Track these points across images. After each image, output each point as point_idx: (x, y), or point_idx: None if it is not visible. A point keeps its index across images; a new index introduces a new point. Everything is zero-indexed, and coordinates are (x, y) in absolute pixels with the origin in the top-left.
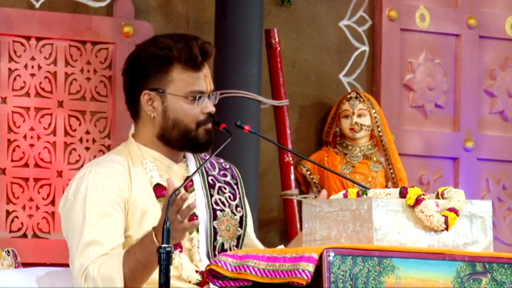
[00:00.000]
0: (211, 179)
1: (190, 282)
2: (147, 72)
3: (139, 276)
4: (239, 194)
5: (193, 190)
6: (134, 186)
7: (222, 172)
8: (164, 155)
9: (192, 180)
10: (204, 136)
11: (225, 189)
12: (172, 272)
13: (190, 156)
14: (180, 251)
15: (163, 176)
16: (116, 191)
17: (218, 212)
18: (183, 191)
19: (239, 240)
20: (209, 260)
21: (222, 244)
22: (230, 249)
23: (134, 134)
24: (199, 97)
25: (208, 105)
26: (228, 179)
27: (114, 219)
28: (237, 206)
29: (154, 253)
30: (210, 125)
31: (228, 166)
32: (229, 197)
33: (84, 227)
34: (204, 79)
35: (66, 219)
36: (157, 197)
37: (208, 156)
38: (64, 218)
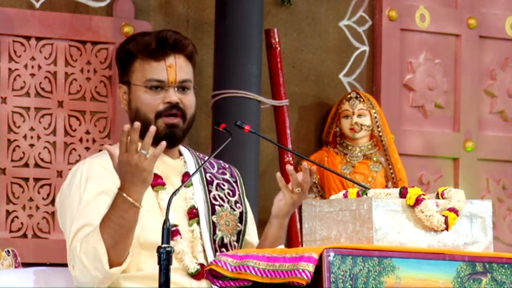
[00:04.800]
0: (209, 176)
1: (188, 269)
2: (119, 67)
3: (120, 239)
4: (238, 191)
5: (191, 184)
6: None
7: (220, 171)
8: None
9: (189, 176)
10: (164, 129)
11: (224, 185)
12: (173, 263)
13: (187, 153)
14: (181, 238)
15: (159, 167)
16: (110, 180)
17: (217, 207)
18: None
19: (239, 236)
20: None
21: (222, 238)
22: (230, 244)
23: None
24: (159, 86)
25: (170, 95)
26: (227, 176)
27: (106, 205)
28: (236, 202)
29: (128, 210)
30: (175, 120)
31: (227, 166)
32: (228, 193)
33: (76, 215)
34: (166, 69)
35: (62, 209)
36: (153, 186)
37: (209, 156)
38: (59, 209)
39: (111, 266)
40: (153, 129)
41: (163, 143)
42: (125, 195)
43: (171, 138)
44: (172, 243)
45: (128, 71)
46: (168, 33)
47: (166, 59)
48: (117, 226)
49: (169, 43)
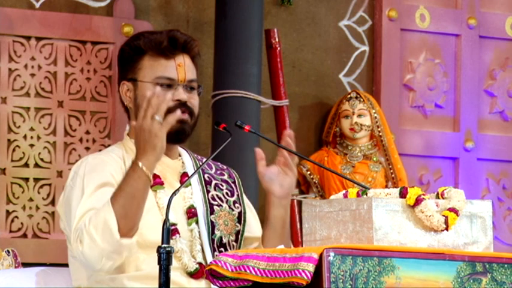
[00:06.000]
0: (208, 176)
1: (187, 268)
2: (123, 64)
3: (130, 209)
4: (237, 191)
5: (190, 184)
6: None
7: (218, 172)
8: None
9: (187, 176)
10: (175, 125)
11: (222, 186)
12: (173, 263)
13: (185, 154)
14: (180, 236)
15: (157, 167)
16: (113, 173)
17: (215, 207)
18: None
19: (238, 236)
20: (209, 251)
21: (221, 238)
22: (229, 244)
23: (129, 132)
24: (169, 84)
25: (180, 93)
26: (225, 177)
27: (111, 189)
28: (234, 202)
29: (138, 179)
30: (184, 115)
31: (225, 167)
32: (227, 194)
33: (81, 202)
34: (176, 68)
35: (66, 202)
36: (151, 186)
37: (207, 156)
38: (63, 204)
39: (121, 236)
40: (179, 113)
41: (178, 112)
42: (139, 163)
43: (181, 134)
44: (171, 242)
45: (135, 68)
46: (178, 33)
47: (176, 58)
48: (128, 196)
49: (180, 43)
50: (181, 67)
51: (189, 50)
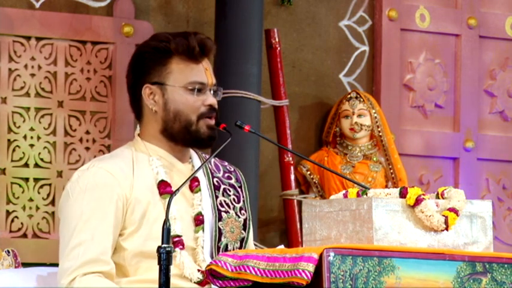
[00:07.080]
0: (217, 181)
1: (191, 280)
2: (147, 66)
3: None
4: (243, 197)
5: (200, 190)
6: (137, 184)
7: (226, 175)
8: (169, 152)
9: (198, 181)
10: (206, 131)
11: (230, 191)
12: (173, 270)
13: (195, 157)
14: (181, 248)
15: (168, 173)
16: (117, 189)
17: (223, 213)
18: (188, 191)
19: (242, 243)
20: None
21: (226, 245)
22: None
23: (139, 132)
24: (200, 89)
25: (210, 98)
26: (233, 181)
27: (108, 221)
28: (241, 208)
29: None
30: (213, 121)
31: (232, 169)
32: (234, 199)
33: (77, 226)
34: (204, 72)
35: (61, 211)
36: (161, 194)
37: (209, 156)
38: (59, 210)
39: None
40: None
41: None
42: None
43: (213, 139)
44: (173, 254)
45: (162, 72)
46: (204, 37)
47: (203, 62)
48: None
49: (208, 48)
50: (208, 71)
51: (209, 54)
